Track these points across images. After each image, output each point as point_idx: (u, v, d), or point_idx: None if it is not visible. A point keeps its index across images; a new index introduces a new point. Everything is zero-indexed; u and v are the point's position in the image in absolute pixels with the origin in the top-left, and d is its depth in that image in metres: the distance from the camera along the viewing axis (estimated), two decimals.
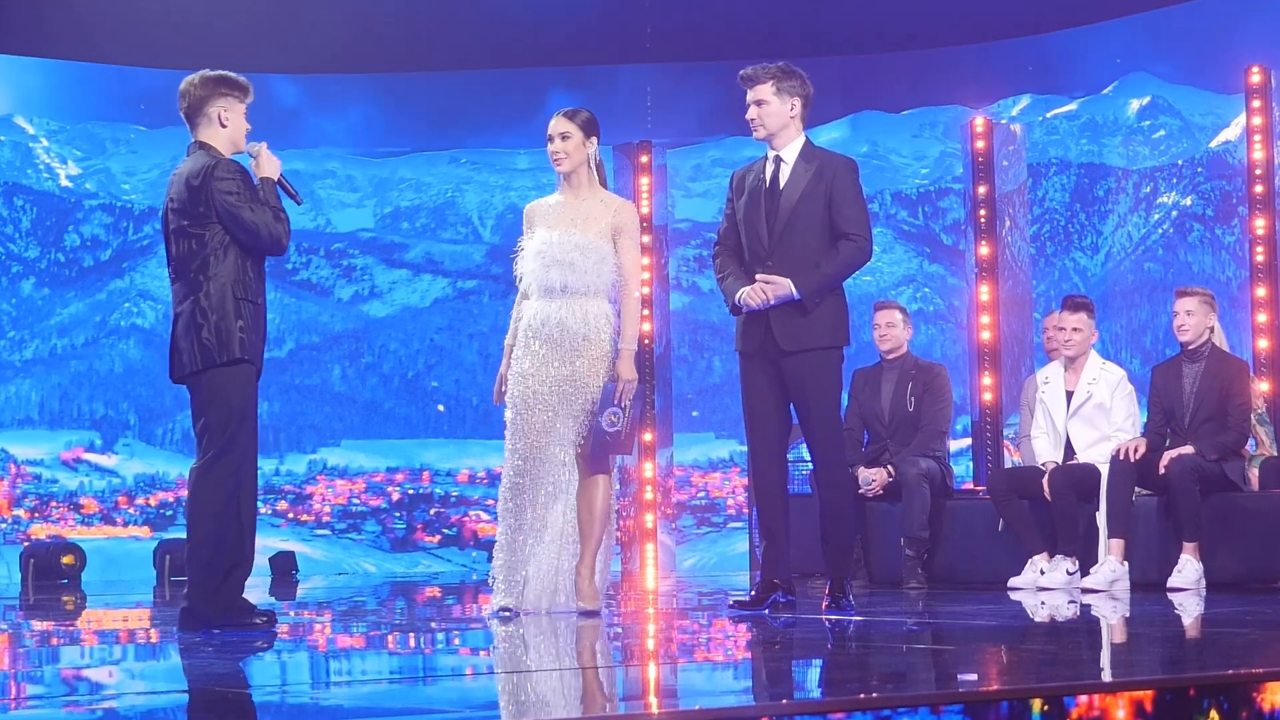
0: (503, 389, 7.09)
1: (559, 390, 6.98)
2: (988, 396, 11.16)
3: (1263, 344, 10.12)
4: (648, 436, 12.22)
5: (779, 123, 7.04)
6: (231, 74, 6.52)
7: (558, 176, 7.20)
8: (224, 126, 6.44)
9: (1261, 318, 10.15)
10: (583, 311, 7.00)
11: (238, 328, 6.29)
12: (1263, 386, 9.92)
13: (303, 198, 6.75)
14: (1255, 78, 10.58)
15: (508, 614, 6.91)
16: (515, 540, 7.01)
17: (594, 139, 7.14)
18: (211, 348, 6.28)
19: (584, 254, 7.00)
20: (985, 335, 11.28)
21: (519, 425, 6.99)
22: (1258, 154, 10.46)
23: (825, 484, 7.09)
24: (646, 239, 12.36)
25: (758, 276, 6.97)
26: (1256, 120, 10.58)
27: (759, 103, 7.05)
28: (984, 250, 11.40)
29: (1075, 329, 8.98)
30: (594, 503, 7.04)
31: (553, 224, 7.07)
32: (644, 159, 12.48)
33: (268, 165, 6.51)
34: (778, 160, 7.08)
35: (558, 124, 7.11)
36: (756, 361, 7.05)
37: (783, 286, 6.91)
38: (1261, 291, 10.19)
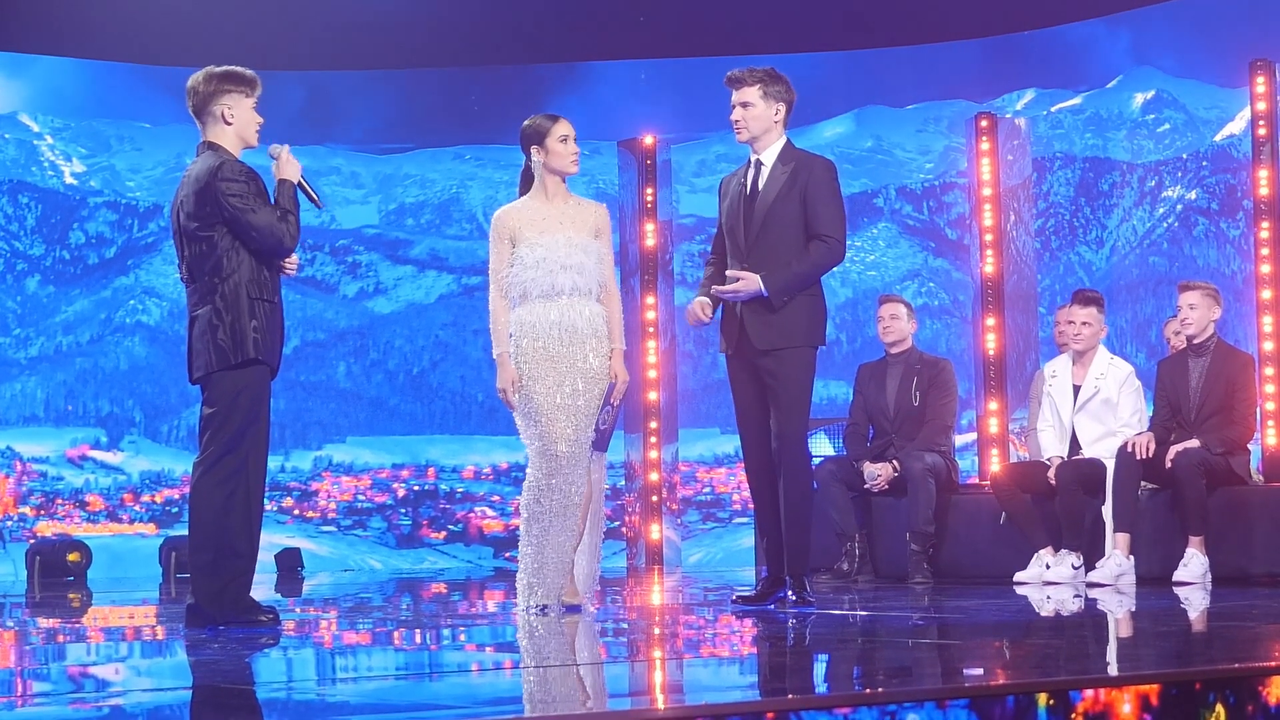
0: (513, 395, 6.99)
1: (578, 391, 6.94)
2: (992, 390, 11.16)
3: (1268, 346, 10.10)
4: (653, 426, 12.22)
5: (762, 127, 7.05)
6: (238, 69, 6.43)
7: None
8: (229, 124, 6.37)
9: (1267, 321, 10.12)
10: (588, 312, 6.99)
11: (251, 328, 6.27)
12: (1269, 389, 9.93)
13: (323, 202, 6.72)
14: (1259, 71, 10.55)
15: (547, 609, 6.89)
16: (547, 542, 6.94)
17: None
18: (226, 349, 6.26)
19: (586, 254, 6.99)
20: (990, 329, 11.28)
21: (548, 435, 6.90)
22: (1262, 150, 10.42)
23: (785, 475, 6.98)
24: (651, 233, 12.36)
25: (727, 273, 7.01)
26: (1261, 110, 10.54)
27: (744, 105, 7.05)
28: (988, 244, 11.39)
29: (1085, 323, 8.97)
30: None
31: (543, 228, 7.01)
32: (648, 154, 12.47)
33: (288, 167, 6.46)
34: (758, 164, 7.10)
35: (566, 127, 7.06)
36: (737, 361, 7.09)
37: (751, 282, 6.93)
38: (1267, 294, 10.17)
